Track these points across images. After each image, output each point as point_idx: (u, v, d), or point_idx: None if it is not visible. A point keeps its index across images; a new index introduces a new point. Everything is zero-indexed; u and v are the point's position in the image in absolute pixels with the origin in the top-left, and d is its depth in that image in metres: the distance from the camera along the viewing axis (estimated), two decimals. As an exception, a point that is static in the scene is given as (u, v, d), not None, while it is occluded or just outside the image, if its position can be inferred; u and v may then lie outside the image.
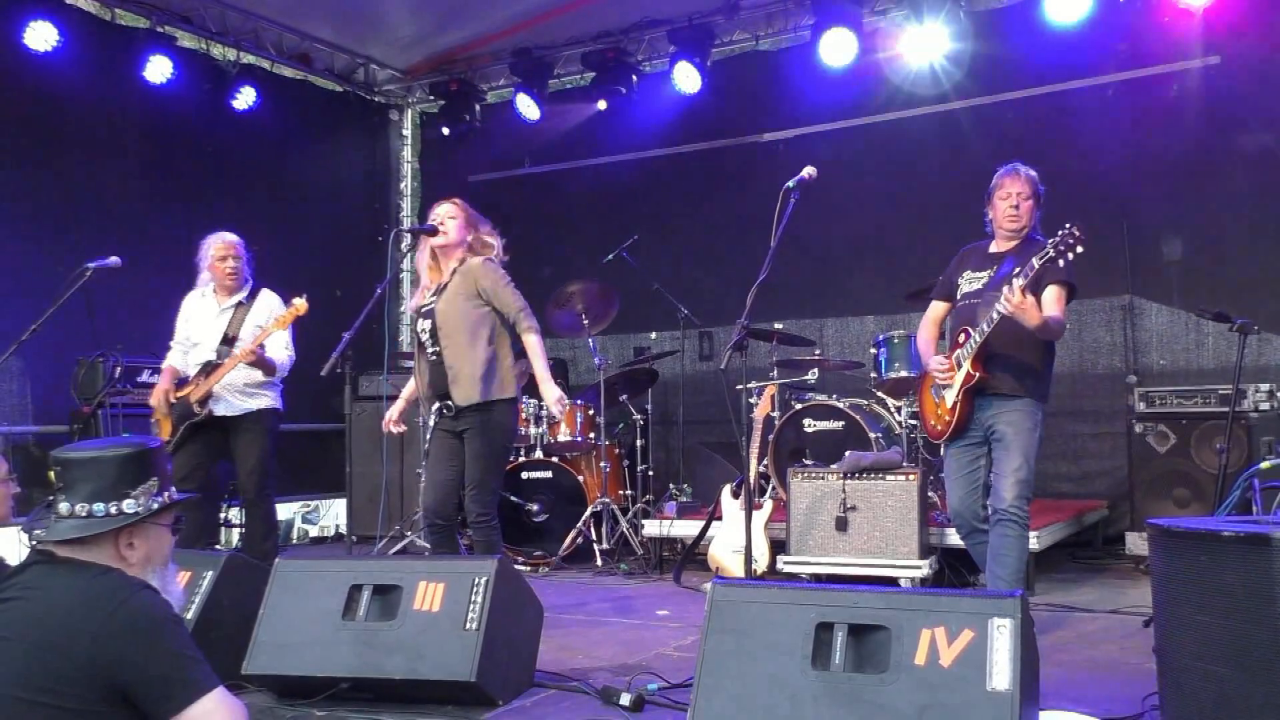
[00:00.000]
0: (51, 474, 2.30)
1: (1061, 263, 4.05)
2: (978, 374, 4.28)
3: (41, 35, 6.85)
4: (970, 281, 4.49)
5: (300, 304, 5.24)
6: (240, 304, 5.51)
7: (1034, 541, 5.37)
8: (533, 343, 4.61)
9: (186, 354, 5.53)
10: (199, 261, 5.55)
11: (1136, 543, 6.11)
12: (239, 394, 5.38)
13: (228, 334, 5.43)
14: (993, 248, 4.53)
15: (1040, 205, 4.50)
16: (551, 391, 4.58)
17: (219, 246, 5.50)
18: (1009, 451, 4.26)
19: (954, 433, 4.41)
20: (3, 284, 6.66)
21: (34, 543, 2.26)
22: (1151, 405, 6.29)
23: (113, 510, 2.26)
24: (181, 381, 5.46)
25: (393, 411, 4.85)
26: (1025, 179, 4.46)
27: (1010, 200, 4.43)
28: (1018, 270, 4.14)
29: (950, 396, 4.38)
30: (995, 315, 4.13)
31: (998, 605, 2.75)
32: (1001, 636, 2.67)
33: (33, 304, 5.26)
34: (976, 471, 4.43)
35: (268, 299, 5.58)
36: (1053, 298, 4.26)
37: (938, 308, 4.67)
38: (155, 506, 2.30)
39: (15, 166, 6.97)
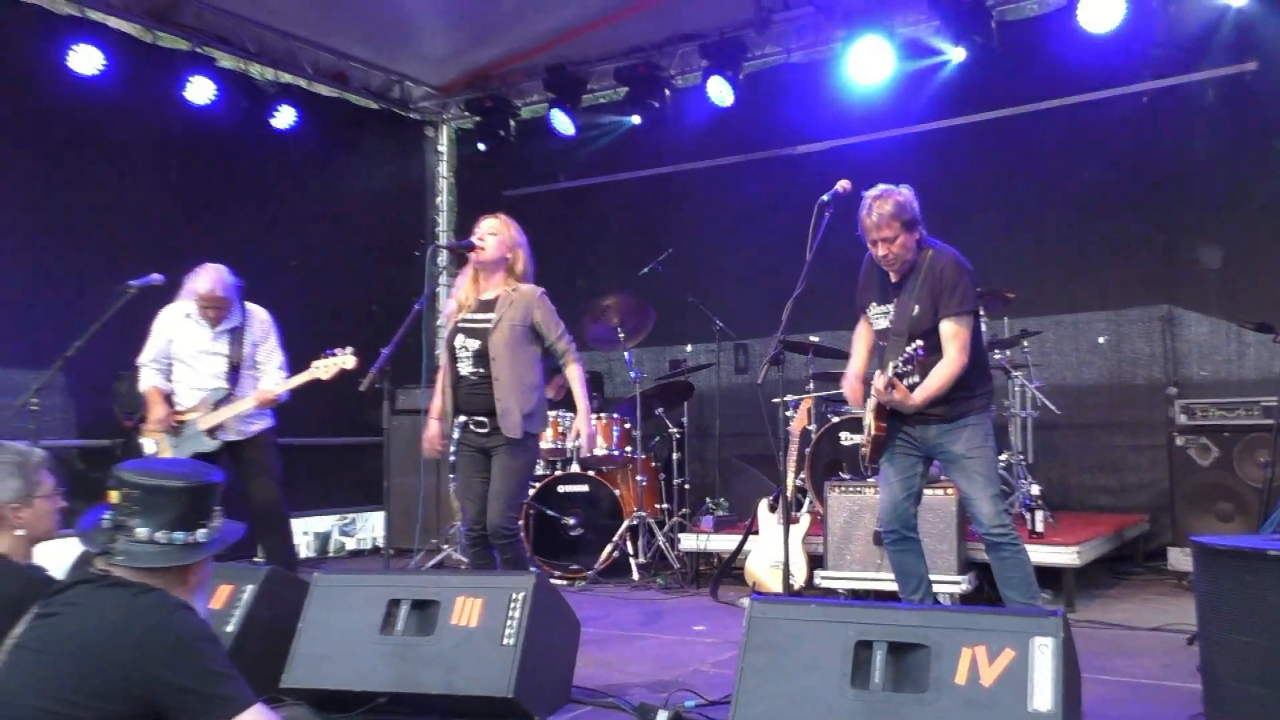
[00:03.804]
0: (115, 494, 2.33)
1: (949, 298, 4.07)
2: (881, 432, 4.24)
3: (85, 58, 6.98)
4: (878, 317, 4.37)
5: (348, 359, 5.25)
6: (235, 329, 5.53)
7: (1075, 557, 5.34)
8: (575, 374, 4.68)
9: (163, 373, 5.52)
10: (185, 284, 5.47)
11: (1179, 558, 6.02)
12: (244, 420, 5.48)
13: (232, 361, 5.48)
14: (891, 275, 4.33)
15: (915, 226, 4.20)
16: (587, 427, 4.76)
17: (205, 296, 5.38)
18: (972, 477, 4.17)
19: (875, 456, 4.34)
20: (48, 301, 6.79)
21: (108, 565, 2.28)
22: (1193, 417, 6.20)
23: (189, 540, 2.31)
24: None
25: (435, 435, 4.71)
26: (883, 221, 4.14)
27: (877, 249, 4.20)
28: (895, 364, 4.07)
29: (864, 436, 4.32)
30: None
31: (1039, 624, 2.72)
32: (1043, 656, 2.65)
33: (77, 320, 5.36)
34: (914, 478, 4.32)
35: (258, 314, 5.63)
36: (950, 333, 4.13)
37: (861, 325, 4.53)
38: (224, 538, 2.38)
39: (60, 187, 7.10)
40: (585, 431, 4.76)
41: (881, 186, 4.24)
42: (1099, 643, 4.61)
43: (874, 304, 4.40)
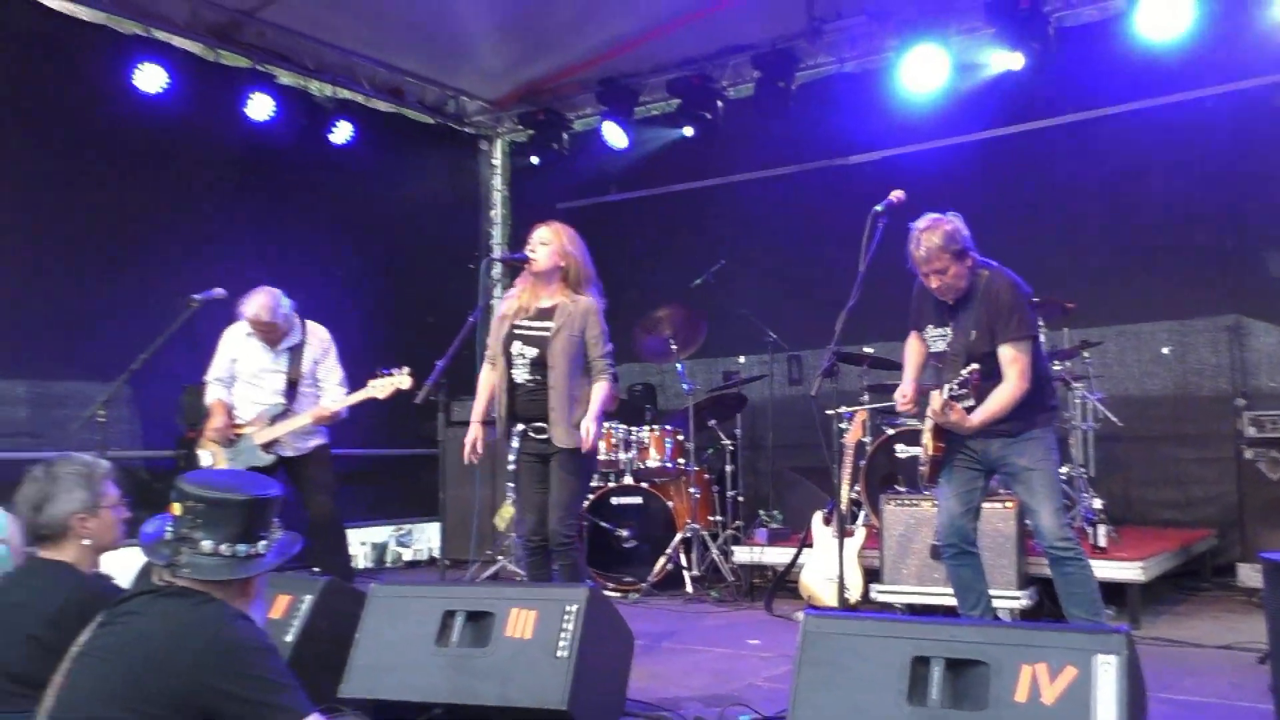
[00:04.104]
0: (178, 506, 2.37)
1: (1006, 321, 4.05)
2: (939, 452, 4.24)
3: (150, 77, 7.15)
4: (935, 339, 4.37)
5: (404, 379, 5.28)
6: (295, 346, 5.60)
7: (1140, 572, 5.23)
8: (599, 389, 4.57)
9: (228, 388, 5.62)
10: (239, 304, 5.53)
11: (1249, 574, 5.87)
12: (300, 436, 5.55)
13: (290, 378, 5.56)
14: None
15: (965, 255, 4.14)
16: (591, 427, 4.51)
17: (251, 321, 5.45)
18: (1034, 491, 4.14)
19: (934, 476, 4.36)
20: (114, 314, 6.93)
21: (173, 577, 2.33)
22: (1262, 430, 6.05)
23: (251, 553, 2.35)
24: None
25: (475, 441, 4.68)
26: (932, 254, 4.10)
27: (930, 280, 4.18)
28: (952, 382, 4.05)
29: (922, 455, 4.34)
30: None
31: (1103, 641, 2.65)
32: (1106, 674, 2.58)
33: (143, 333, 5.49)
34: (974, 493, 4.32)
35: (317, 332, 5.69)
36: (1009, 358, 4.09)
37: (912, 339, 4.54)
38: (284, 550, 2.41)
39: (125, 202, 7.27)
40: (587, 426, 4.48)
41: (929, 217, 4.18)
42: (1165, 661, 4.50)
43: (930, 326, 4.37)
